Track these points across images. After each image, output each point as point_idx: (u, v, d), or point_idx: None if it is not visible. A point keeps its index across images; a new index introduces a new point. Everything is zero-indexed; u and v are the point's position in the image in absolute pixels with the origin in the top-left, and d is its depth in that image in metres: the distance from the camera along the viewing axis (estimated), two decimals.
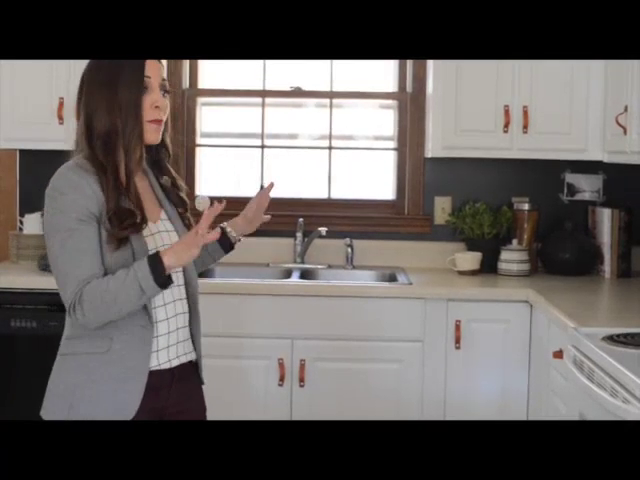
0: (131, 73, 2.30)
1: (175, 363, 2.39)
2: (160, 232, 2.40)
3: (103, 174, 2.27)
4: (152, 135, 2.36)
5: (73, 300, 2.23)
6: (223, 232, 2.61)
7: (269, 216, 2.74)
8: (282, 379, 3.81)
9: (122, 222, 2.25)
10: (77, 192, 2.24)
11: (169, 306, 2.37)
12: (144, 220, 2.30)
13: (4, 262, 4.36)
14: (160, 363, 2.35)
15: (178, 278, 2.41)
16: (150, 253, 2.29)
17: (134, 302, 2.22)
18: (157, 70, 2.35)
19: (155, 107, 2.33)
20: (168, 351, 2.37)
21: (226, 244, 2.64)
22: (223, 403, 3.59)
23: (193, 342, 2.47)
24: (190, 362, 2.46)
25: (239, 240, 2.68)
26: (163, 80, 2.37)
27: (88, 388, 2.28)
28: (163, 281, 2.22)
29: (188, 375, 2.45)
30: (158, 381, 2.34)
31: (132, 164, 2.32)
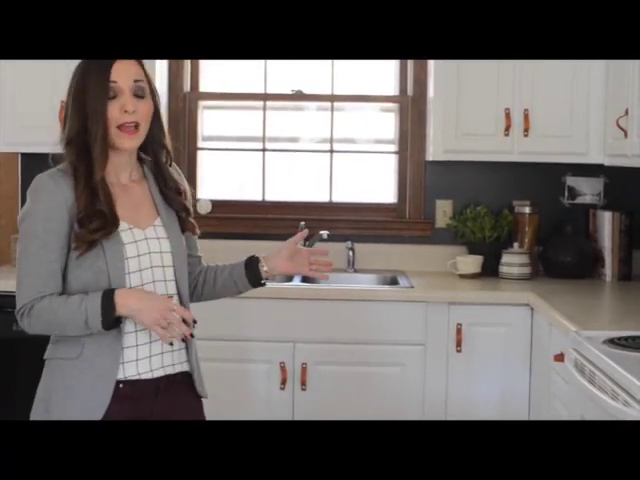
0: (96, 79, 2.27)
1: (159, 374, 2.34)
2: (147, 239, 2.35)
3: (75, 177, 2.28)
4: (125, 141, 2.31)
5: (23, 310, 2.27)
6: (255, 263, 2.58)
7: (326, 275, 2.64)
8: (284, 383, 3.81)
9: (91, 224, 2.24)
10: (49, 199, 2.25)
11: None
12: (114, 223, 2.27)
13: (5, 266, 4.36)
14: (140, 373, 2.31)
15: (168, 288, 2.37)
16: (125, 263, 2.28)
17: (79, 332, 2.25)
18: (127, 73, 2.30)
19: (124, 112, 2.29)
20: (150, 361, 2.33)
21: (252, 277, 2.56)
22: (225, 407, 3.59)
23: (187, 354, 2.42)
24: (182, 374, 2.41)
25: (266, 279, 2.58)
26: (136, 82, 2.31)
27: (61, 393, 2.29)
28: (110, 325, 2.23)
29: (179, 388, 2.39)
30: (138, 391, 2.31)
31: (96, 170, 2.28)
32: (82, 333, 2.25)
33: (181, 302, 2.40)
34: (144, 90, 2.33)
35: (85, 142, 2.28)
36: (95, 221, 2.24)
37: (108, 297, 2.22)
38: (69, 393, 2.28)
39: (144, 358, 2.32)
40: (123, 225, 2.32)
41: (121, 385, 2.29)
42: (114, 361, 2.28)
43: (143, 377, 2.32)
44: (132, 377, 2.31)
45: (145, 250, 2.34)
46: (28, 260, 2.27)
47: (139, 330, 2.31)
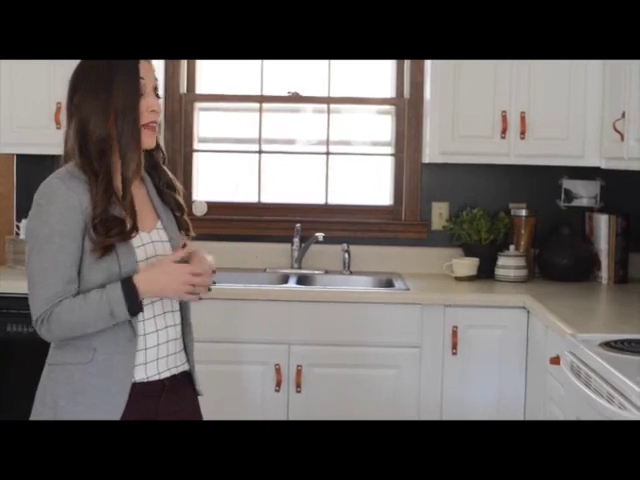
0: (126, 75, 2.25)
1: (165, 375, 2.36)
2: (153, 242, 2.35)
3: (94, 180, 2.23)
4: (148, 139, 2.31)
5: (41, 317, 2.23)
6: None
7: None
8: (279, 385, 3.80)
9: (109, 230, 2.21)
10: (63, 203, 2.20)
11: (158, 318, 2.34)
12: (134, 229, 2.26)
13: (0, 267, 4.35)
14: (148, 376, 2.32)
15: None
16: (137, 266, 2.27)
17: (102, 326, 2.23)
18: (150, 72, 2.32)
19: (151, 111, 2.29)
20: (157, 364, 2.33)
21: None
22: (220, 409, 3.59)
23: (186, 354, 2.45)
24: (183, 373, 2.43)
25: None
26: (156, 81, 2.34)
27: (71, 399, 2.26)
28: (136, 309, 2.23)
29: (180, 386, 2.41)
30: (145, 392, 2.31)
31: (129, 172, 2.26)
32: (107, 326, 2.22)
33: (180, 305, 2.42)
34: (158, 92, 2.36)
35: (109, 143, 2.25)
36: (113, 228, 2.22)
37: (128, 284, 2.21)
38: (80, 398, 2.26)
39: (152, 361, 2.33)
40: None
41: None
42: (129, 364, 2.28)
43: (151, 379, 2.33)
44: (141, 380, 2.31)
45: (152, 253, 2.34)
46: (44, 266, 2.22)
47: (148, 333, 2.32)
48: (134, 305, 2.22)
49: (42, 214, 2.23)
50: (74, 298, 2.22)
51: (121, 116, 2.24)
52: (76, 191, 2.22)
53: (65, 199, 2.21)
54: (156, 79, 2.35)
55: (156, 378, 2.34)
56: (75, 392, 2.26)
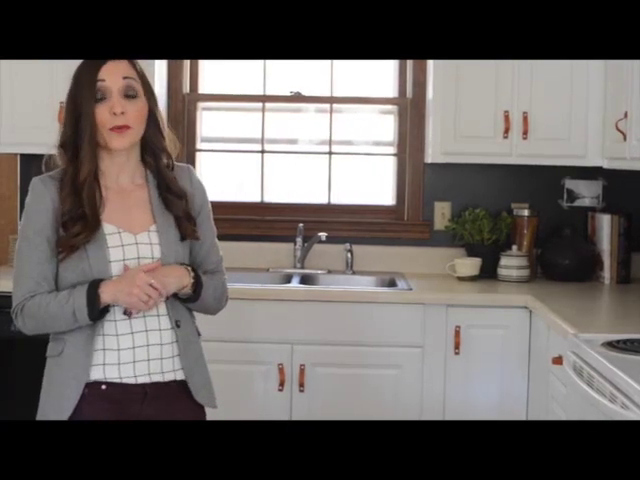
0: (86, 80, 2.27)
1: (144, 380, 2.32)
2: (138, 244, 2.33)
3: (63, 179, 2.31)
4: (115, 142, 2.30)
5: (16, 309, 2.31)
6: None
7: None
8: (282, 384, 3.80)
9: (72, 227, 2.26)
10: (37, 202, 2.30)
11: (136, 320, 2.32)
12: (95, 226, 2.28)
13: (4, 266, 4.35)
14: (122, 377, 2.31)
15: None
16: (109, 266, 2.29)
17: (70, 325, 2.28)
18: (116, 71, 2.28)
19: (113, 114, 2.27)
20: (134, 366, 2.31)
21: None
22: (222, 408, 3.58)
23: (181, 361, 2.38)
24: (178, 382, 2.38)
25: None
26: (125, 79, 2.29)
27: (46, 390, 2.35)
28: (96, 315, 2.26)
29: (172, 395, 2.36)
30: (122, 395, 2.31)
31: (81, 176, 2.28)
32: (72, 326, 2.28)
33: (168, 305, 2.38)
34: (135, 89, 2.31)
35: (76, 144, 2.30)
36: (77, 225, 2.26)
37: (94, 287, 2.25)
38: (50, 390, 2.33)
39: (127, 363, 2.31)
40: (111, 228, 2.32)
41: (104, 386, 2.31)
42: (86, 362, 2.30)
43: (125, 381, 2.31)
44: (114, 380, 2.31)
45: (134, 255, 2.32)
46: (21, 261, 2.32)
47: (121, 334, 2.31)
48: (94, 311, 2.25)
49: (25, 212, 2.34)
50: (46, 295, 2.29)
51: (82, 119, 2.28)
52: (50, 190, 2.30)
53: (39, 198, 2.31)
54: (126, 77, 2.30)
55: (132, 381, 2.32)
56: (49, 384, 2.34)
